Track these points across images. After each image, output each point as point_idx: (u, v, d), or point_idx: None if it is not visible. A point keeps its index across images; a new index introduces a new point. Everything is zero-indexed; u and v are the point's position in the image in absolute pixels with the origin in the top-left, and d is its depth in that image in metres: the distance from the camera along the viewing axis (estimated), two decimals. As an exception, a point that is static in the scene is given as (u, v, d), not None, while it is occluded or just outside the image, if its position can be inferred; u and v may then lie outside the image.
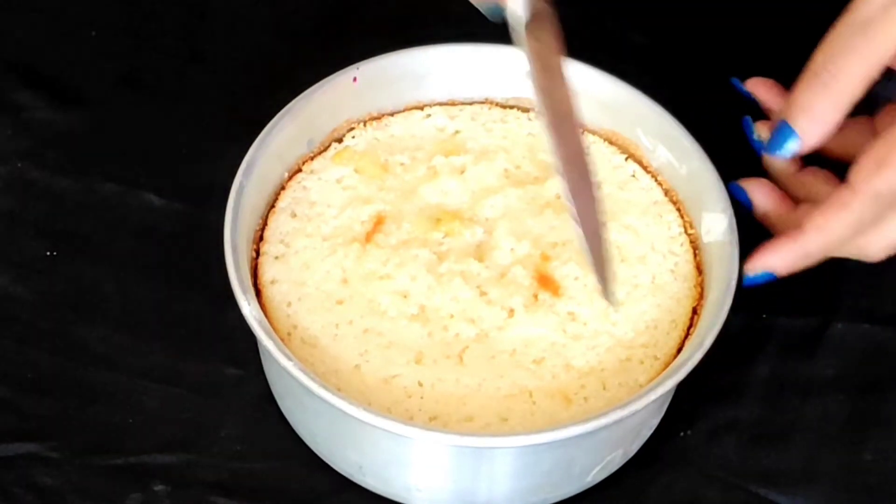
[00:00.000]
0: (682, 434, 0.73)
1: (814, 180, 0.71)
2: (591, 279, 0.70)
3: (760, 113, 0.73)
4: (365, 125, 0.77)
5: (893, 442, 0.73)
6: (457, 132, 0.77)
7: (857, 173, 0.66)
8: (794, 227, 0.68)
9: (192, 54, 0.88)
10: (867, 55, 0.67)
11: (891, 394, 0.75)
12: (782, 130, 0.69)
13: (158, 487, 0.70)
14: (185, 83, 0.87)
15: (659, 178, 0.76)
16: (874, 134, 0.70)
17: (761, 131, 0.72)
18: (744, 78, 0.73)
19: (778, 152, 0.69)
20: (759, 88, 0.73)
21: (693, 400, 0.73)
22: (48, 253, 0.78)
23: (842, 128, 0.70)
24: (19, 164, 0.82)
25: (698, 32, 0.90)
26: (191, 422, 0.72)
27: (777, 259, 0.68)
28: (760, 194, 0.72)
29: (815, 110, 0.68)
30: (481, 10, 0.60)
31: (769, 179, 0.72)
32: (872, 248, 0.69)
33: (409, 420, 0.66)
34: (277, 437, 0.72)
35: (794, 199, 0.72)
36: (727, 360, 0.73)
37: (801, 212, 0.70)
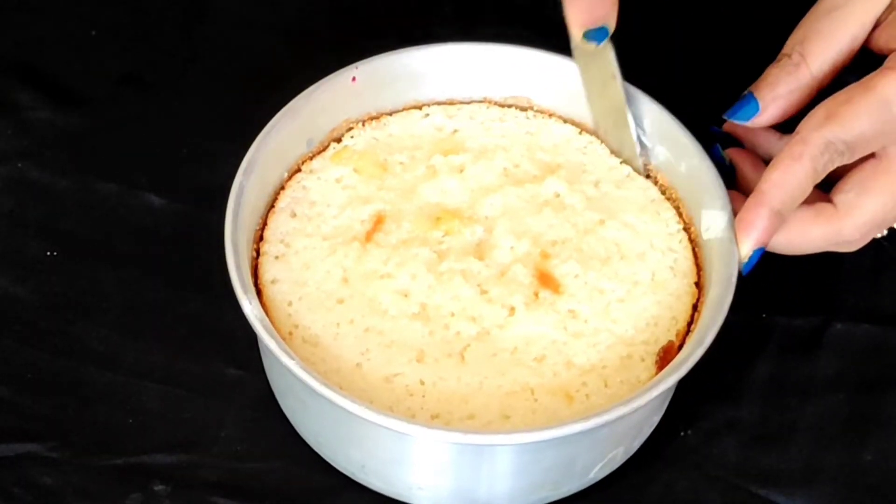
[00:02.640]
0: (682, 434, 0.73)
1: None
2: (591, 276, 0.71)
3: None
4: (363, 125, 0.77)
5: (893, 442, 0.73)
6: (455, 131, 0.78)
7: (807, 124, 0.68)
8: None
9: (192, 54, 0.88)
10: (832, 39, 0.70)
11: (891, 394, 0.75)
12: (747, 100, 0.71)
13: (158, 487, 0.70)
14: (185, 83, 0.87)
15: (658, 176, 0.76)
16: None
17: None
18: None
19: (736, 118, 0.72)
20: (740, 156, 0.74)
21: (693, 399, 0.73)
22: (48, 253, 0.78)
23: None
24: (19, 164, 0.82)
25: (697, 30, 0.90)
26: (191, 422, 0.72)
27: (756, 231, 0.68)
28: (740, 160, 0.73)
29: (779, 87, 0.70)
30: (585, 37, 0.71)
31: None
32: (847, 231, 0.69)
33: (411, 418, 0.66)
34: (278, 437, 0.72)
35: None
36: (727, 360, 0.73)
37: None
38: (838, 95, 0.68)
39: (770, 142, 0.73)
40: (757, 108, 0.71)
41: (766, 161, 0.72)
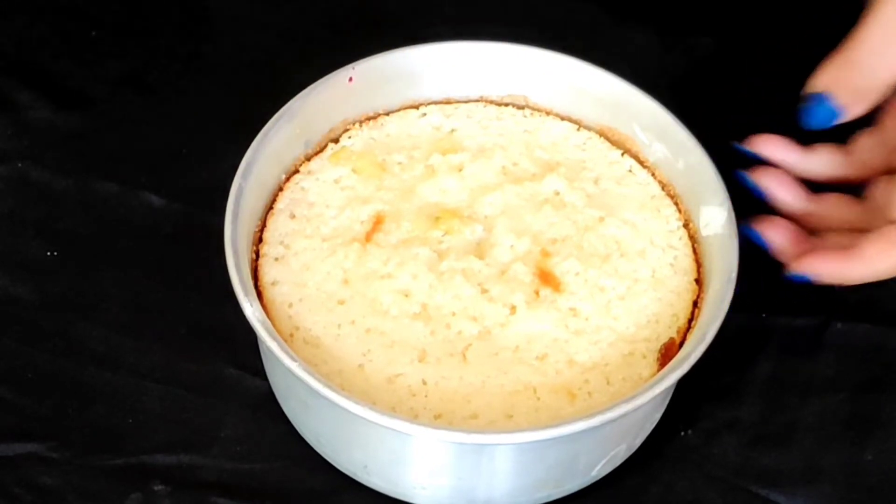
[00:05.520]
0: (682, 434, 0.73)
1: (832, 207, 0.72)
2: (591, 274, 0.71)
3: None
4: (361, 125, 0.77)
5: (893, 442, 0.73)
6: (453, 130, 0.78)
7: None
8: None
9: (192, 54, 0.88)
10: None
11: (891, 394, 0.75)
12: (822, 103, 0.69)
13: (158, 487, 0.70)
14: (185, 83, 0.87)
15: (656, 173, 0.76)
16: (884, 144, 0.72)
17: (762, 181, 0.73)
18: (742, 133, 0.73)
19: (817, 124, 0.69)
20: (765, 146, 0.73)
21: (693, 399, 0.73)
22: (48, 253, 0.78)
23: (851, 150, 0.72)
24: (19, 164, 0.82)
25: (695, 27, 0.90)
26: (191, 422, 0.72)
27: (824, 267, 0.69)
28: (775, 234, 0.72)
29: (859, 90, 0.68)
30: None
31: (780, 215, 0.73)
32: None
33: (414, 419, 0.65)
34: (278, 438, 0.72)
35: (812, 230, 0.73)
36: (727, 360, 0.74)
37: (822, 241, 0.71)
38: None
39: (793, 157, 0.72)
40: (836, 114, 0.68)
41: (801, 178, 0.72)
